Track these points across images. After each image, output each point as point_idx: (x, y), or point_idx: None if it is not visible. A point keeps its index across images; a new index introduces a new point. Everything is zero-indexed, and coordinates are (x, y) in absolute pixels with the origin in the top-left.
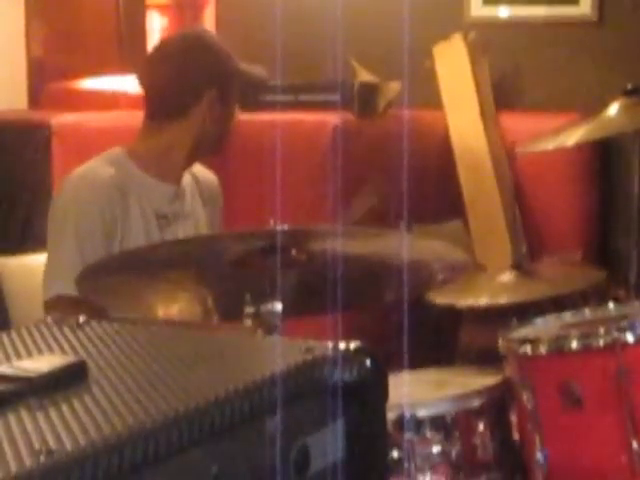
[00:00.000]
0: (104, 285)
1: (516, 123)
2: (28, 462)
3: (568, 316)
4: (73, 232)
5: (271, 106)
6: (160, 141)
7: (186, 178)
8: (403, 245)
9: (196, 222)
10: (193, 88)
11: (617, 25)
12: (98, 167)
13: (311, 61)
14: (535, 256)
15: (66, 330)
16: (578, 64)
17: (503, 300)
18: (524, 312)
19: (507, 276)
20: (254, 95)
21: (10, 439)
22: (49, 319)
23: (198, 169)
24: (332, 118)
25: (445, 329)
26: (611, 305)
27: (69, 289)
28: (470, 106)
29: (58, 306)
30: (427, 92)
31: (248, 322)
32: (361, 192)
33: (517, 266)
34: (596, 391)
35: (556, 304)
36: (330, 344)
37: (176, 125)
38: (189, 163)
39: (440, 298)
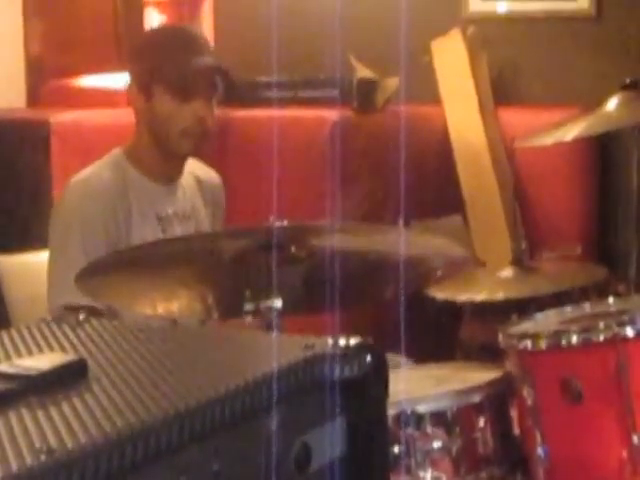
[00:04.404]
0: (104, 283)
1: (515, 118)
2: (29, 461)
3: (568, 311)
4: (79, 242)
5: (270, 102)
6: (140, 140)
7: (187, 179)
8: (402, 241)
9: (198, 223)
10: (145, 85)
11: (615, 20)
12: (99, 174)
13: (310, 57)
14: (534, 251)
15: (66, 328)
16: (576, 59)
17: (503, 296)
18: (524, 307)
19: (507, 272)
20: (251, 91)
21: (11, 438)
22: (49, 317)
23: (201, 169)
24: (331, 114)
25: (445, 324)
26: (611, 300)
27: (77, 299)
28: (469, 101)
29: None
30: (426, 87)
31: (248, 319)
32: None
33: (517, 262)
34: (596, 386)
35: (556, 300)
36: (330, 340)
37: (142, 122)
38: (169, 162)
39: (440, 294)
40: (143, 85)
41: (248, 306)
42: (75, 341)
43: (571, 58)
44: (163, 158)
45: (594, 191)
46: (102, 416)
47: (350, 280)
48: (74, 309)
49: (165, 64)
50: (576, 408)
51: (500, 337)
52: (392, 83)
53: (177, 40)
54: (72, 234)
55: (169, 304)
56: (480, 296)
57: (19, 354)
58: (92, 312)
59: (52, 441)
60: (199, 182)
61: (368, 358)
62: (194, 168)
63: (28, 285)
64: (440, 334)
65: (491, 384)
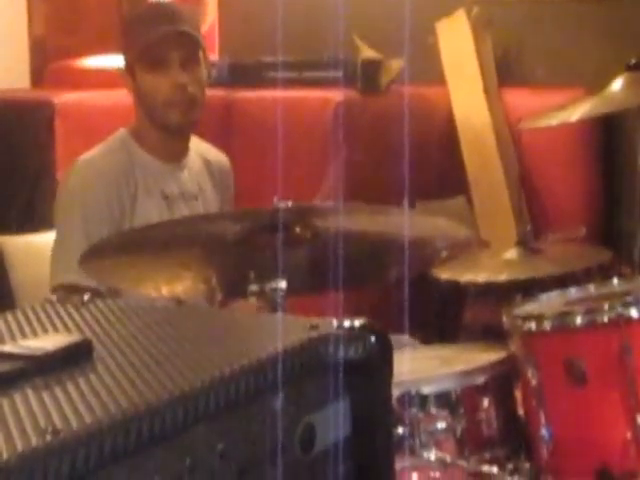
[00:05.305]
0: (108, 265)
1: (519, 99)
2: (34, 441)
3: (572, 292)
4: (80, 220)
5: (274, 83)
6: (140, 120)
7: (194, 159)
8: (406, 222)
9: (205, 203)
10: (129, 64)
11: (620, 0)
12: (104, 153)
13: (314, 38)
14: (539, 233)
15: (71, 309)
16: (581, 39)
17: (507, 277)
18: (528, 289)
19: (511, 253)
20: (256, 72)
21: (16, 418)
22: (54, 298)
23: (209, 151)
24: (335, 95)
25: (449, 306)
26: (615, 281)
27: (75, 278)
28: (473, 82)
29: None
30: (430, 68)
31: (253, 300)
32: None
33: (521, 243)
34: (600, 367)
35: (560, 281)
36: (335, 321)
37: (136, 102)
38: (169, 139)
39: (444, 275)
40: (129, 65)
41: (253, 287)
42: (80, 321)
43: (576, 39)
44: (163, 135)
45: (599, 172)
46: (107, 396)
47: (354, 261)
48: (70, 289)
49: (134, 38)
50: (580, 389)
51: (504, 318)
52: (396, 64)
53: (146, 14)
54: (74, 214)
55: (173, 286)
56: (484, 277)
57: (24, 335)
58: (90, 293)
59: (57, 421)
60: (207, 164)
61: (372, 339)
62: (202, 150)
63: (32, 266)
64: (444, 315)
65: (495, 365)
